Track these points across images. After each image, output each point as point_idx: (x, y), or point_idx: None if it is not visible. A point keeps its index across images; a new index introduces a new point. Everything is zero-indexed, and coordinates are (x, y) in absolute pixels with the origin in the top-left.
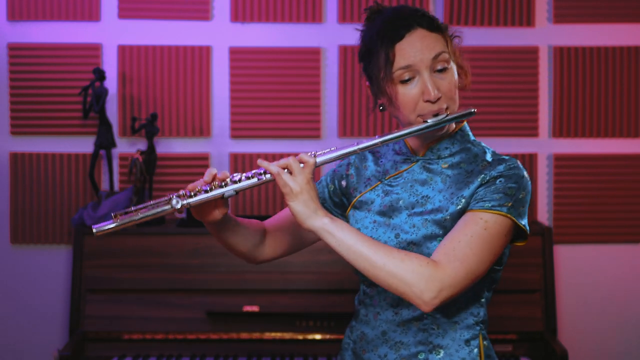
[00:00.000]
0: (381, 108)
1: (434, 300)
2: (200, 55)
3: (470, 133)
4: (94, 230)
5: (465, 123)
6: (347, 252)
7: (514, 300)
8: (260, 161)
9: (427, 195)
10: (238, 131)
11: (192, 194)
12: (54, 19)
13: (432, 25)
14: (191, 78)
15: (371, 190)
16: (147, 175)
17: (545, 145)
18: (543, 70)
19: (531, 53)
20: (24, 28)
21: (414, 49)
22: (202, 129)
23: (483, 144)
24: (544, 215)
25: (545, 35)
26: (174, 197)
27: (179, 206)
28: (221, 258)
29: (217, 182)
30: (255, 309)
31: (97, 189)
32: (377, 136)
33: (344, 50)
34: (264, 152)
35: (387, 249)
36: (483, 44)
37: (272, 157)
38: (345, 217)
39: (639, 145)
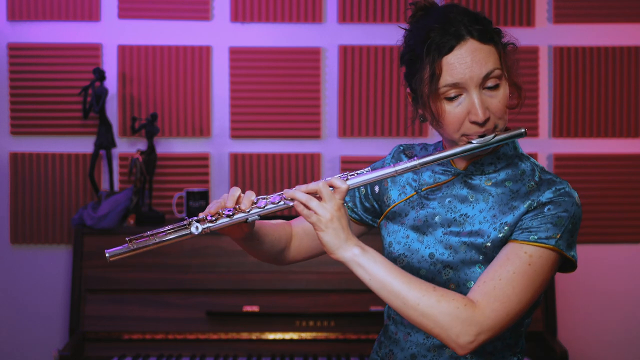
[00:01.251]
0: (422, 119)
1: (470, 344)
2: (200, 55)
3: (519, 146)
4: (107, 255)
5: None
6: (379, 287)
7: None
8: (286, 191)
9: (466, 214)
10: (238, 131)
11: (214, 218)
12: (54, 19)
13: (484, 35)
14: (191, 78)
15: (406, 200)
16: (147, 175)
17: (545, 145)
18: (543, 70)
19: (531, 53)
20: (24, 28)
21: (463, 65)
22: (202, 129)
23: (532, 159)
24: None
25: (545, 35)
26: (194, 221)
27: (198, 232)
28: (221, 258)
29: (240, 206)
30: (255, 309)
31: (97, 189)
32: (415, 158)
33: (344, 50)
34: (264, 152)
35: (423, 286)
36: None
37: (272, 157)
38: (376, 224)
39: (639, 145)
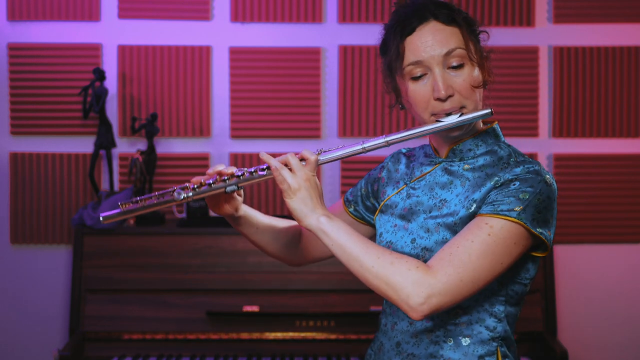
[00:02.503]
0: (401, 107)
1: (421, 306)
2: (200, 55)
3: (500, 134)
4: (101, 218)
5: (496, 123)
6: (339, 252)
7: None
8: (262, 154)
9: (445, 199)
10: (238, 131)
11: (195, 187)
12: (54, 19)
13: (449, 17)
14: (191, 78)
15: (397, 193)
16: (147, 175)
17: (545, 145)
18: (543, 70)
19: (531, 53)
20: (24, 28)
21: (424, 43)
22: (202, 129)
23: (513, 147)
24: None
25: (545, 35)
26: (177, 189)
27: (180, 197)
28: (221, 258)
29: (221, 177)
30: (255, 309)
31: (97, 189)
32: (383, 135)
33: (344, 50)
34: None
35: (380, 250)
36: (483, 43)
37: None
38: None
39: (639, 145)
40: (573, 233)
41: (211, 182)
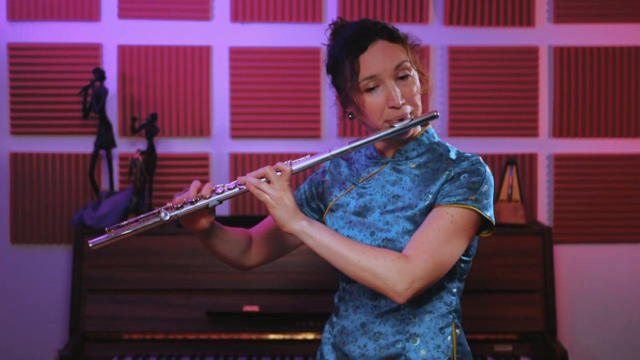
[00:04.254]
0: (350, 116)
1: (406, 291)
2: (200, 55)
3: (435, 134)
4: (90, 245)
5: (429, 126)
6: (325, 251)
7: (513, 300)
8: (240, 178)
9: (397, 195)
10: (238, 131)
11: (179, 206)
12: (54, 19)
13: (392, 36)
14: (191, 78)
15: (346, 193)
16: (147, 175)
17: (545, 145)
18: (543, 70)
19: (531, 53)
20: (24, 28)
21: (376, 59)
22: (202, 129)
23: (447, 144)
24: (544, 215)
25: (545, 35)
26: (162, 210)
27: (167, 218)
28: None
29: (201, 194)
30: (255, 309)
31: (97, 189)
32: (347, 142)
33: None
34: (264, 152)
35: (362, 246)
36: (483, 44)
37: (272, 157)
38: (322, 221)
39: (639, 145)
40: (573, 233)
41: (193, 199)
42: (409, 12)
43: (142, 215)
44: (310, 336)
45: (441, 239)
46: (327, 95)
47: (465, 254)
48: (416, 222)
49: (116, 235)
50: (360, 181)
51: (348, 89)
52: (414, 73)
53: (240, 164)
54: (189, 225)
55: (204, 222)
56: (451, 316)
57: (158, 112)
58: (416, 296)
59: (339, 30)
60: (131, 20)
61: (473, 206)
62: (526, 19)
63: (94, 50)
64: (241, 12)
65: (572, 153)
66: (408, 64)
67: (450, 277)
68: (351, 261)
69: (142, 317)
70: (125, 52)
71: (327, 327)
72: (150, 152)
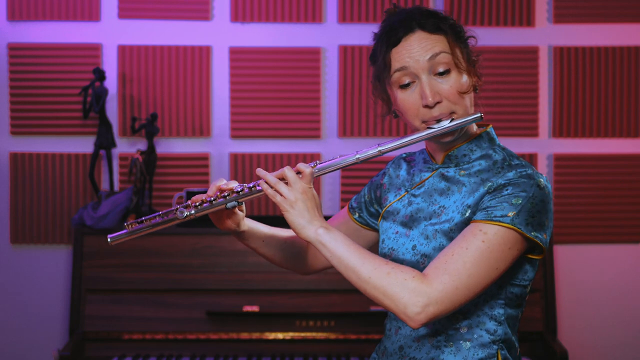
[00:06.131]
0: (394, 115)
1: (418, 315)
2: (200, 55)
3: (495, 138)
4: (109, 239)
5: (490, 127)
6: (337, 263)
7: None
8: (259, 170)
9: (443, 205)
10: (238, 131)
11: (198, 204)
12: (54, 19)
13: (434, 26)
14: (191, 78)
15: (398, 200)
16: (147, 175)
17: (545, 145)
18: (543, 70)
19: (531, 53)
20: (24, 28)
21: (410, 51)
22: (202, 129)
23: (509, 150)
24: None
25: (545, 35)
26: (180, 208)
27: (183, 216)
28: (221, 258)
29: (221, 194)
30: (255, 309)
31: (97, 189)
32: (376, 145)
33: (344, 50)
34: (264, 152)
35: (377, 261)
36: (483, 44)
37: (272, 157)
38: (378, 228)
39: (639, 145)
40: (573, 233)
41: (212, 199)
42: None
43: (160, 212)
44: (310, 336)
45: (468, 259)
46: (327, 95)
47: (516, 277)
48: (452, 238)
49: (135, 230)
50: (412, 187)
51: (382, 82)
52: (457, 68)
53: (240, 164)
54: (219, 225)
55: (231, 224)
56: (495, 347)
57: (158, 112)
58: (453, 320)
59: (388, 18)
60: (131, 20)
61: (512, 224)
62: (526, 19)
63: (94, 50)
64: (241, 12)
65: (572, 153)
66: (448, 57)
67: (492, 302)
68: (362, 277)
69: (142, 317)
70: (125, 52)
71: (377, 346)
72: (150, 152)
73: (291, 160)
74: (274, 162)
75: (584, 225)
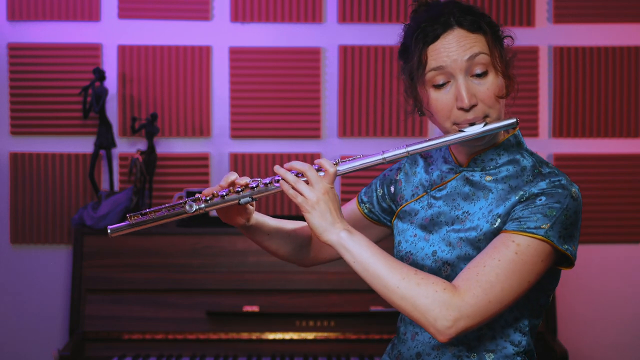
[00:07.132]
0: (420, 113)
1: (449, 329)
2: (200, 55)
3: (523, 142)
4: (109, 231)
5: (517, 130)
6: (362, 270)
7: None
8: (277, 168)
9: (467, 211)
10: (238, 131)
11: (208, 198)
12: (54, 19)
13: (473, 25)
14: (191, 78)
15: (417, 200)
16: (147, 175)
17: (545, 145)
18: (543, 70)
19: (531, 53)
20: (24, 28)
21: (447, 50)
22: (202, 129)
23: (537, 156)
24: None
25: (545, 35)
26: (189, 201)
27: (192, 210)
28: (221, 258)
29: (234, 188)
30: (255, 309)
31: (97, 189)
32: (404, 145)
33: (344, 50)
34: (264, 152)
35: (405, 269)
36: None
37: (272, 157)
38: (391, 225)
39: (639, 145)
40: None
41: (224, 193)
42: (409, 13)
43: (166, 205)
44: (310, 336)
45: (500, 271)
46: (327, 95)
47: (543, 287)
48: (479, 247)
49: (137, 223)
50: (432, 188)
51: (415, 80)
52: (494, 70)
53: (241, 164)
54: (226, 220)
55: (240, 219)
56: (519, 358)
57: (158, 112)
58: (477, 330)
59: (423, 9)
60: (131, 20)
61: (545, 236)
62: (526, 19)
63: (94, 50)
64: (241, 12)
65: (572, 153)
66: (487, 58)
67: (518, 312)
68: (390, 286)
69: (142, 317)
70: (125, 52)
71: (388, 347)
72: (150, 152)
73: (291, 160)
74: (274, 162)
75: (584, 225)
